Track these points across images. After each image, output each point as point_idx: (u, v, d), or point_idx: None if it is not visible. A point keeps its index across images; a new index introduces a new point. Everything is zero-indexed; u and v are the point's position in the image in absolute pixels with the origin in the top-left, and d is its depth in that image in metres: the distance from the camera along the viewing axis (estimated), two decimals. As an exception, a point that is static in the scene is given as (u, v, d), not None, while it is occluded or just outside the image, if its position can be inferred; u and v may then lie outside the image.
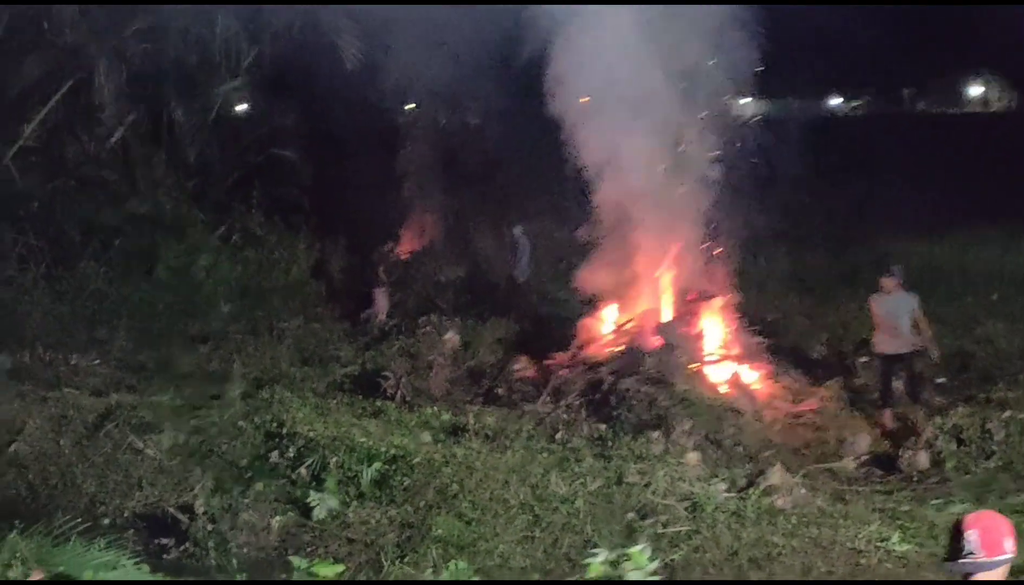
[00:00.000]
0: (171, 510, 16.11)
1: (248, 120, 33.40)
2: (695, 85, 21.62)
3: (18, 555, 11.11)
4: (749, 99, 30.97)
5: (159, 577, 9.36)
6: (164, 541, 15.34)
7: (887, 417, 19.94)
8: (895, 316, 19.92)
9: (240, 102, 33.40)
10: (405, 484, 16.46)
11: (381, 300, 27.40)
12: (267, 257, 30.52)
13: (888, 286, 20.03)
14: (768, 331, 23.39)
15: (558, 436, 18.73)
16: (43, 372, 22.26)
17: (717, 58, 21.20)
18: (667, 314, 22.30)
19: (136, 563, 12.01)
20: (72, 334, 25.34)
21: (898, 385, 20.43)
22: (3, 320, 25.70)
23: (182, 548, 15.23)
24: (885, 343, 20.10)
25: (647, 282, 22.64)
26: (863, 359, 22.30)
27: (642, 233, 22.16)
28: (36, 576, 10.73)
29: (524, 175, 31.73)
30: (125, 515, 16.33)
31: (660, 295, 22.66)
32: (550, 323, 24.94)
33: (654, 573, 9.92)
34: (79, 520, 12.41)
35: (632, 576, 9.81)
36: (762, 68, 21.85)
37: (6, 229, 28.51)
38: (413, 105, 35.03)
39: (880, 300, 20.15)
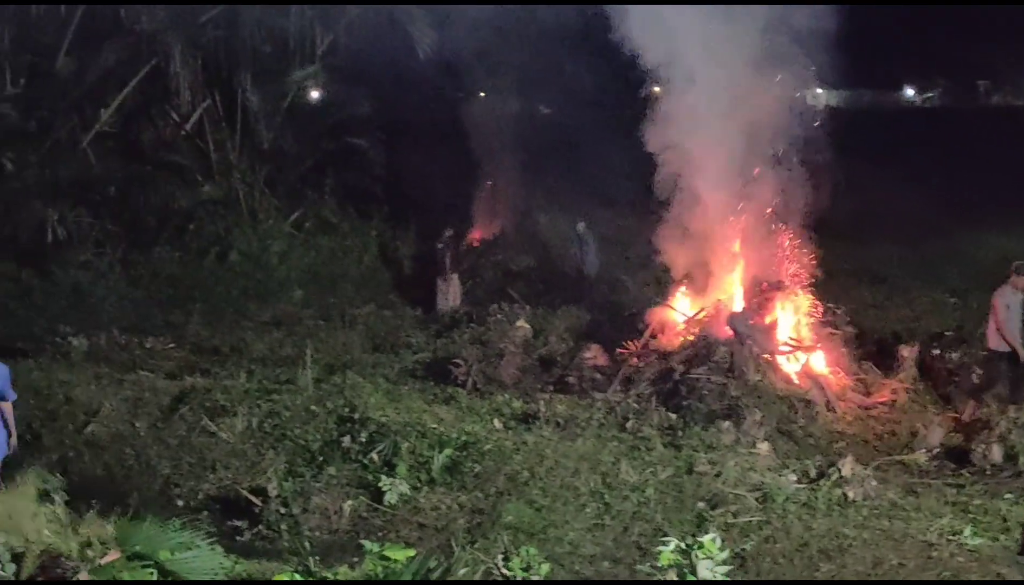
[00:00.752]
0: (244, 493, 16.25)
1: (322, 107, 33.50)
2: (770, 74, 21.46)
3: (96, 535, 11.27)
4: (822, 90, 30.78)
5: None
6: (237, 523, 15.46)
7: (970, 410, 19.64)
8: (1016, 314, 19.44)
9: (314, 89, 33.54)
10: (476, 470, 16.52)
11: (454, 287, 27.43)
12: (339, 244, 30.68)
13: (1020, 284, 19.42)
14: (840, 322, 23.20)
15: (628, 425, 18.68)
16: (119, 355, 22.52)
17: (793, 46, 21.01)
18: (739, 304, 22.18)
19: (210, 544, 12.15)
20: (147, 318, 25.64)
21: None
22: (80, 304, 26.07)
23: (255, 531, 15.36)
24: (1000, 339, 19.60)
25: (719, 272, 22.54)
26: (936, 352, 22.06)
27: (715, 222, 22.06)
28: (112, 556, 10.88)
29: (596, 164, 31.64)
30: (199, 497, 16.47)
31: (732, 285, 22.54)
32: (621, 312, 24.88)
33: (724, 562, 9.93)
34: (154, 501, 12.56)
35: (703, 565, 9.82)
36: (837, 58, 21.66)
37: (83, 214, 28.88)
38: (484, 93, 35.06)
39: (1004, 294, 19.58)
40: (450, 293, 27.33)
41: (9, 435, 14.05)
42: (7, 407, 14.07)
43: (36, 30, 28.76)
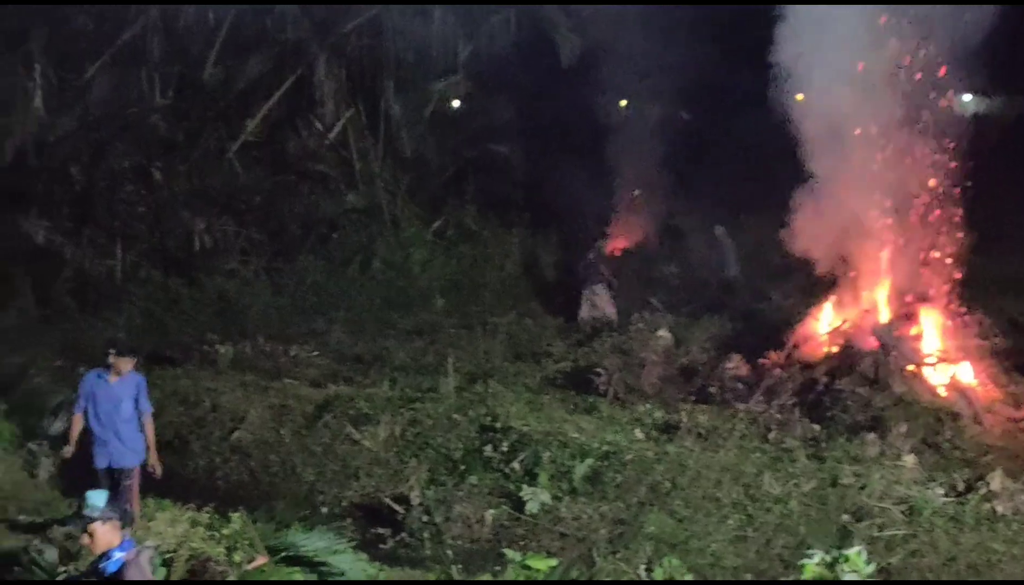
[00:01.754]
0: (387, 501, 16.39)
1: (463, 116, 33.66)
2: (918, 82, 21.09)
3: (244, 538, 11.45)
4: (971, 96, 30.17)
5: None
6: (380, 531, 15.61)
7: None
8: None
9: (456, 97, 33.71)
10: (617, 480, 16.49)
11: (604, 298, 27.30)
12: (481, 252, 30.75)
13: None
14: (989, 333, 22.69)
15: (771, 436, 18.48)
16: (264, 362, 22.83)
17: (941, 52, 20.62)
18: (884, 315, 21.82)
19: (355, 551, 12.29)
20: (291, 326, 25.96)
21: None
22: (226, 312, 26.50)
23: (398, 538, 15.49)
24: None
25: (864, 282, 22.19)
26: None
27: (859, 233, 21.71)
28: (260, 561, 11.04)
29: (738, 172, 31.36)
30: (343, 504, 16.67)
31: (877, 295, 22.18)
32: (764, 322, 24.63)
33: (870, 576, 9.76)
34: (299, 507, 12.71)
35: (848, 578, 9.66)
36: (987, 64, 21.20)
37: (229, 223, 29.36)
38: (625, 100, 34.95)
39: None
40: (599, 302, 27.19)
41: (148, 448, 14.21)
42: (146, 418, 14.26)
43: (185, 42, 29.32)
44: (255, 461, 18.45)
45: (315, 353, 23.75)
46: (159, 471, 14.21)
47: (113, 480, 13.98)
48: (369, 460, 17.81)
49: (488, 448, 17.37)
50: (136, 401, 14.20)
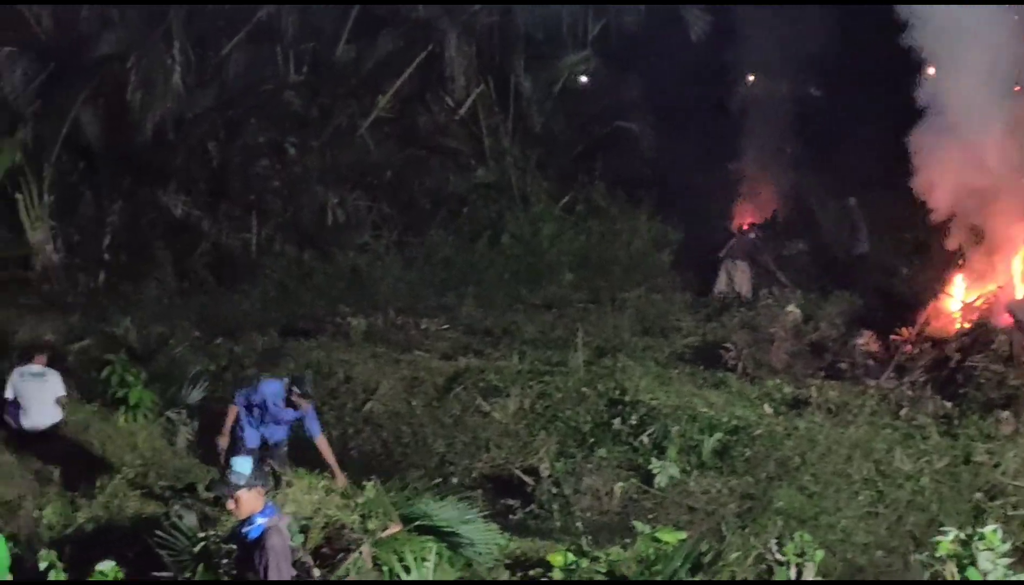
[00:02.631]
0: (517, 472, 16.58)
1: (592, 92, 33.65)
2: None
3: (377, 507, 11.67)
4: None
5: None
6: (510, 502, 15.80)
7: None
8: None
9: (585, 74, 33.72)
10: (746, 455, 16.52)
11: (744, 274, 27.20)
12: (609, 228, 30.70)
13: None
14: None
15: (903, 413, 18.31)
16: (395, 335, 23.11)
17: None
18: (1019, 291, 21.50)
19: (485, 521, 12.45)
20: (421, 299, 26.22)
21: None
22: (358, 285, 26.85)
23: (527, 510, 15.67)
24: None
25: (998, 257, 21.86)
26: None
27: (993, 209, 21.40)
28: (393, 529, 11.26)
29: (867, 147, 30.95)
30: (473, 475, 16.88)
31: (1011, 271, 21.86)
32: (894, 298, 24.39)
33: (1005, 555, 9.71)
34: (431, 478, 12.91)
35: (983, 557, 9.63)
36: None
37: (361, 197, 29.75)
38: (754, 76, 34.71)
39: None
40: (737, 277, 27.09)
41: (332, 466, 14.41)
42: (319, 442, 14.69)
43: (318, 20, 29.72)
44: (387, 432, 18.74)
45: (445, 326, 23.97)
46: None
47: (265, 451, 14.51)
48: (499, 432, 18.01)
49: (617, 421, 17.47)
50: (303, 424, 14.73)
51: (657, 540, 12.24)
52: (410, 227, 29.52)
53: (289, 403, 14.55)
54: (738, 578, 11.28)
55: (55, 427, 17.35)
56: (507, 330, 23.69)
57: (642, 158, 32.55)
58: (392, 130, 31.09)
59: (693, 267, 28.37)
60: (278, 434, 14.77)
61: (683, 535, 12.38)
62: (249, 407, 14.74)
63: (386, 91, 30.58)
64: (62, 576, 9.59)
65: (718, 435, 16.87)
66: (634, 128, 32.16)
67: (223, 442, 14.81)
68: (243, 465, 9.00)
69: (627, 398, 18.08)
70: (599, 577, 11.67)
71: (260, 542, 8.79)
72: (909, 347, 21.04)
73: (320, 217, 29.24)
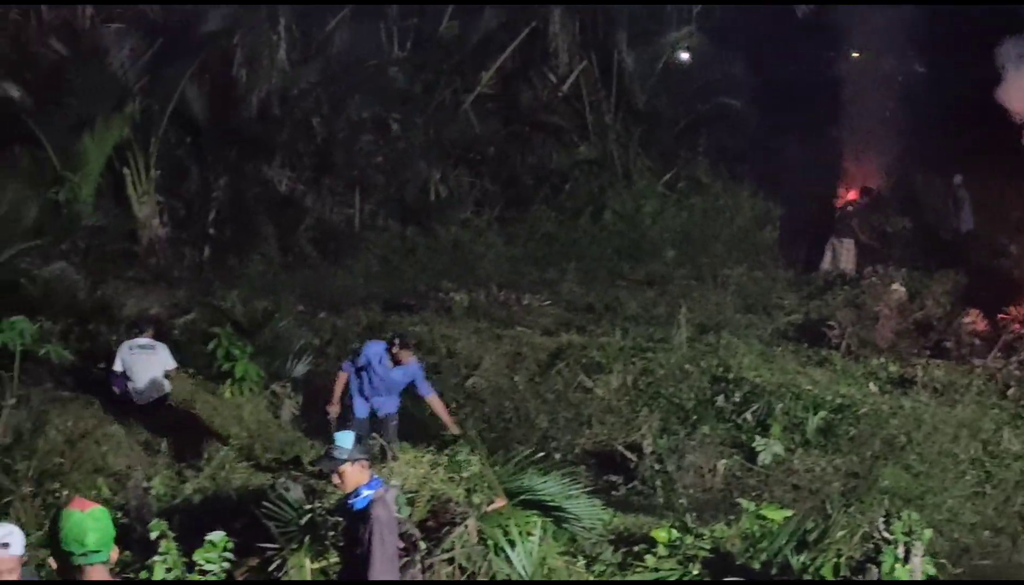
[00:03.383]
0: (619, 448, 16.57)
1: (696, 68, 33.42)
2: None
3: (482, 481, 11.70)
4: None
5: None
6: (613, 478, 15.80)
7: None
8: None
9: (688, 50, 33.50)
10: (851, 434, 16.39)
11: (849, 252, 26.96)
12: (711, 204, 30.57)
13: None
14: None
15: (1010, 392, 18.09)
16: (497, 310, 23.16)
17: None
18: None
19: (588, 496, 12.45)
20: (523, 275, 26.27)
21: None
22: (460, 260, 26.94)
23: (630, 486, 15.66)
24: None
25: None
26: None
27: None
28: (499, 503, 11.28)
29: (973, 124, 30.49)
30: (575, 451, 16.91)
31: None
32: (1001, 277, 24.03)
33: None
34: (533, 453, 12.90)
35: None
36: None
37: (464, 173, 29.83)
38: (858, 52, 34.27)
39: None
40: (842, 255, 26.86)
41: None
42: (432, 400, 14.92)
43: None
44: (489, 407, 18.81)
45: (547, 302, 23.99)
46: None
47: (374, 423, 14.66)
48: (601, 408, 18.01)
49: (720, 399, 17.41)
50: (414, 385, 14.82)
51: (762, 517, 12.19)
52: (512, 203, 29.57)
53: (395, 362, 14.62)
54: (844, 556, 11.18)
55: (162, 399, 17.57)
56: (609, 306, 23.65)
57: (745, 134, 32.34)
58: (495, 106, 31.14)
59: (796, 244, 28.13)
60: (388, 405, 14.81)
61: (788, 513, 12.32)
62: (357, 373, 14.80)
63: (489, 67, 30.62)
64: (172, 546, 9.71)
65: (822, 413, 16.74)
66: (737, 104, 31.91)
67: (334, 410, 14.96)
68: (345, 439, 9.05)
69: (730, 375, 18.01)
70: (704, 554, 11.65)
71: (366, 514, 8.84)
72: (1017, 326, 20.72)
73: (423, 193, 29.39)
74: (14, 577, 7.65)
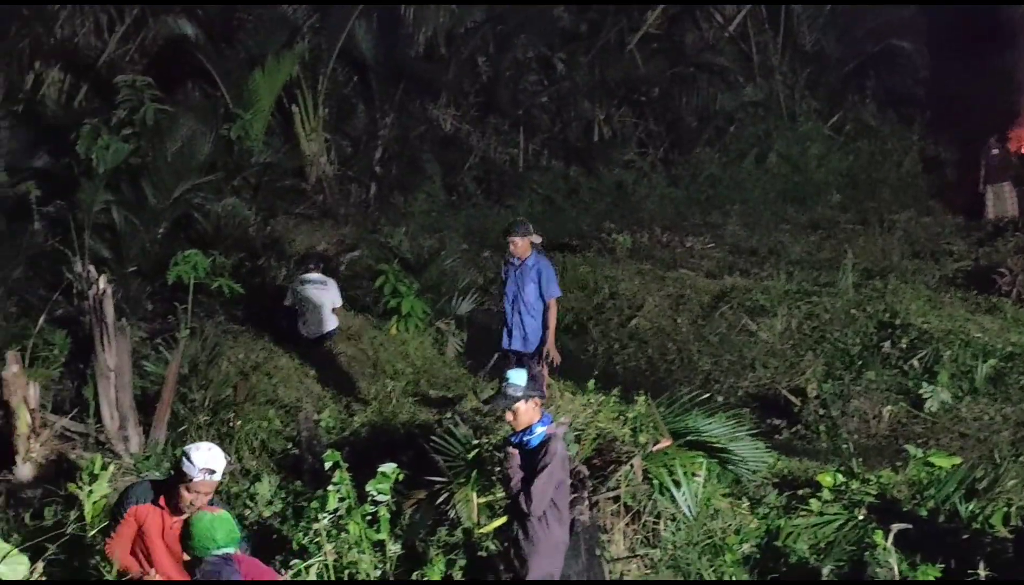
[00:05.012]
0: (783, 392, 16.50)
1: (865, 9, 32.72)
2: None
3: (647, 421, 11.77)
4: None
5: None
6: (776, 422, 15.75)
7: None
8: None
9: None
10: (1021, 382, 16.09)
11: (1010, 196, 26.35)
12: (879, 148, 30.05)
13: None
14: None
15: None
16: (660, 252, 23.18)
17: None
18: None
19: (752, 438, 12.45)
20: (687, 217, 26.18)
21: None
22: (623, 201, 26.92)
23: (793, 430, 15.61)
24: None
25: None
26: None
27: None
28: (665, 443, 11.35)
29: None
30: (738, 394, 16.87)
31: None
32: None
33: None
34: (697, 394, 12.92)
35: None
36: None
37: (628, 114, 29.75)
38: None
39: None
40: (1004, 201, 26.26)
41: (546, 332, 14.12)
42: (550, 304, 14.15)
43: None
44: (652, 348, 18.87)
45: (710, 245, 23.92)
46: (555, 358, 14.11)
47: (518, 361, 14.19)
48: (765, 351, 17.95)
49: (886, 344, 17.20)
50: (539, 285, 14.13)
51: (929, 464, 12.09)
52: (676, 144, 29.43)
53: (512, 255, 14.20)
54: (1014, 505, 11.07)
55: (331, 334, 17.94)
56: (773, 250, 23.50)
57: (915, 77, 31.71)
58: (660, 46, 30.89)
59: (965, 190, 27.54)
60: (528, 315, 14.17)
61: (957, 460, 12.20)
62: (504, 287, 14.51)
63: (655, 7, 30.36)
64: (346, 476, 9.93)
65: (992, 361, 16.46)
66: (907, 46, 31.25)
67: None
68: (519, 377, 9.15)
69: (897, 321, 17.76)
70: (869, 499, 11.60)
71: (542, 449, 8.95)
72: None
73: (587, 133, 29.38)
74: (209, 499, 8.06)
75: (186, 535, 7.47)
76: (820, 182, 28.55)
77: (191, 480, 7.95)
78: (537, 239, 14.31)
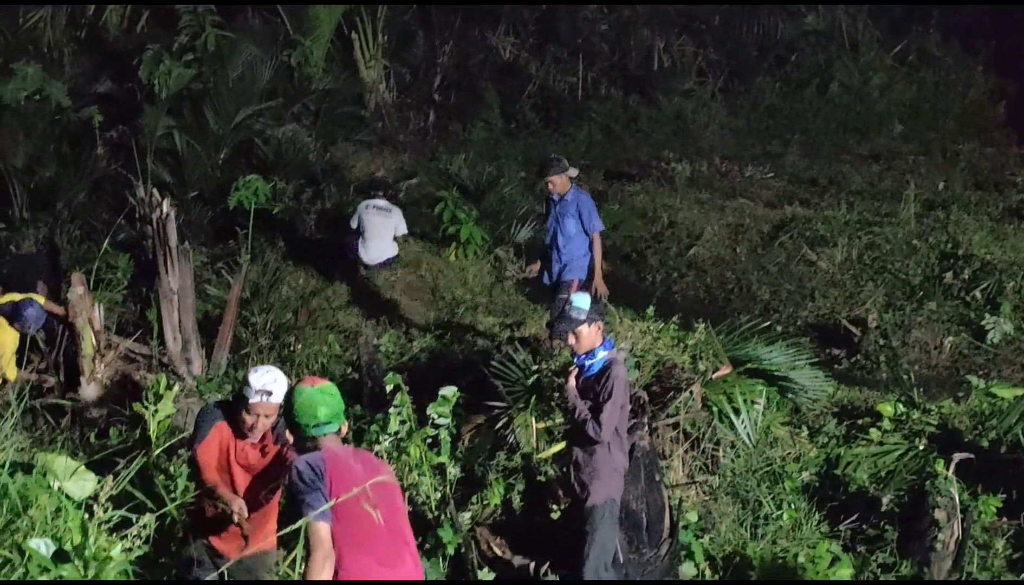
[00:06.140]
0: (843, 322, 16.44)
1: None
2: None
3: (707, 348, 11.77)
4: None
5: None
6: (835, 352, 15.70)
7: None
8: None
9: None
10: (1085, 313, 15.99)
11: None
12: (943, 78, 29.68)
13: None
14: None
15: None
16: (719, 182, 23.09)
17: None
18: None
19: (812, 366, 12.43)
20: (746, 147, 26.00)
21: None
22: (682, 131, 26.78)
23: (853, 360, 15.55)
24: None
25: None
26: None
27: None
28: (725, 370, 11.35)
29: None
30: (797, 324, 16.81)
31: None
32: None
33: None
34: (757, 323, 12.90)
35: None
36: None
37: (687, 43, 29.52)
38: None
39: None
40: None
41: (592, 268, 13.76)
42: (594, 238, 13.79)
43: None
44: (711, 277, 18.84)
45: (770, 174, 23.78)
46: (603, 292, 13.65)
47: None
48: (825, 281, 17.88)
49: (948, 275, 17.06)
50: (580, 220, 13.78)
51: (992, 395, 12.04)
52: (736, 74, 29.18)
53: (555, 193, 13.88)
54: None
55: (390, 261, 18.02)
56: (833, 180, 23.31)
57: (980, 7, 31.22)
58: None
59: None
60: (568, 249, 13.74)
61: (1019, 391, 12.13)
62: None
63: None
64: (407, 399, 9.99)
65: (1053, 294, 16.37)
66: (980, -24, 30.80)
67: (535, 269, 14.52)
68: (583, 300, 9.14)
69: (960, 252, 17.62)
70: (930, 429, 11.58)
71: (603, 374, 8.96)
72: None
73: (646, 61, 29.18)
74: (272, 421, 8.07)
75: (288, 410, 7.28)
76: (882, 112, 28.26)
77: (249, 402, 8.00)
78: (574, 173, 14.03)
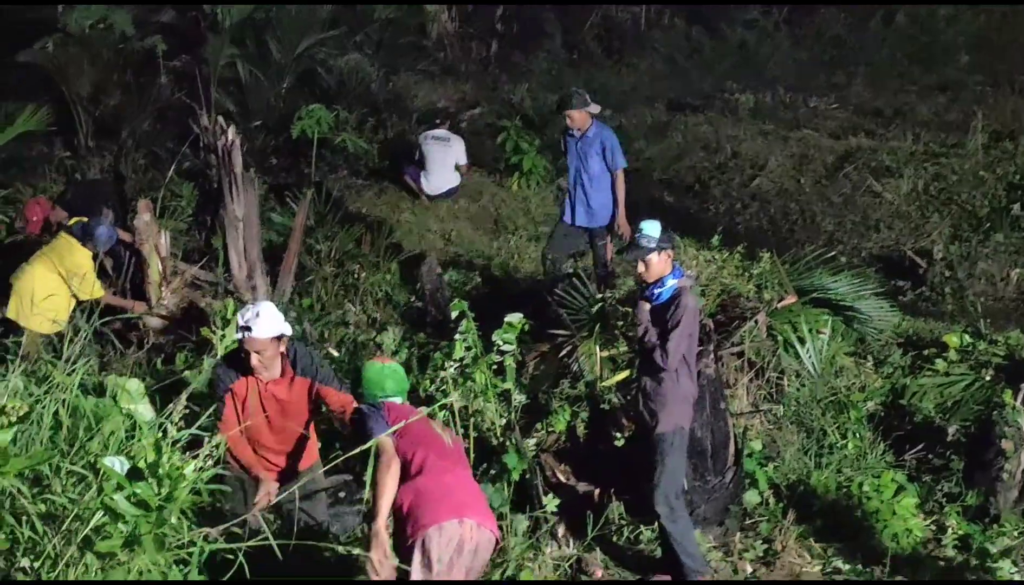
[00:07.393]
0: (909, 253, 16.32)
1: None
2: None
3: (772, 278, 11.74)
4: None
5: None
6: (900, 283, 15.59)
7: None
8: None
9: None
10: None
11: None
12: (1012, 9, 29.18)
13: None
14: None
15: None
16: (783, 113, 22.86)
17: None
18: None
19: (877, 297, 12.36)
20: (810, 78, 25.68)
21: None
22: (746, 61, 26.51)
23: (918, 291, 15.45)
24: None
25: None
26: None
27: None
28: (790, 300, 11.31)
29: None
30: (862, 255, 16.71)
31: None
32: None
33: None
34: (821, 253, 12.83)
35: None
36: None
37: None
38: None
39: None
40: None
41: (616, 205, 13.50)
42: (616, 175, 13.46)
43: None
44: (774, 208, 18.72)
45: (834, 105, 23.51)
46: (626, 232, 13.11)
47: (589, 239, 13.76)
48: (890, 213, 17.73)
49: (1016, 207, 16.85)
50: (603, 157, 13.47)
51: (1067, 333, 11.98)
52: (800, 4, 28.83)
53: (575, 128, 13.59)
54: None
55: (453, 191, 18.08)
56: (898, 111, 23.02)
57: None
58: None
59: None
60: (592, 188, 13.49)
61: (1088, 323, 12.07)
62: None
63: None
64: (472, 325, 10.01)
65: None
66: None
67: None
68: (652, 228, 9.07)
69: (1029, 183, 17.46)
70: (997, 360, 11.51)
71: (672, 302, 8.94)
72: None
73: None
74: (268, 355, 8.16)
75: (356, 381, 7.90)
76: (948, 43, 27.80)
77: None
78: (596, 109, 13.76)
